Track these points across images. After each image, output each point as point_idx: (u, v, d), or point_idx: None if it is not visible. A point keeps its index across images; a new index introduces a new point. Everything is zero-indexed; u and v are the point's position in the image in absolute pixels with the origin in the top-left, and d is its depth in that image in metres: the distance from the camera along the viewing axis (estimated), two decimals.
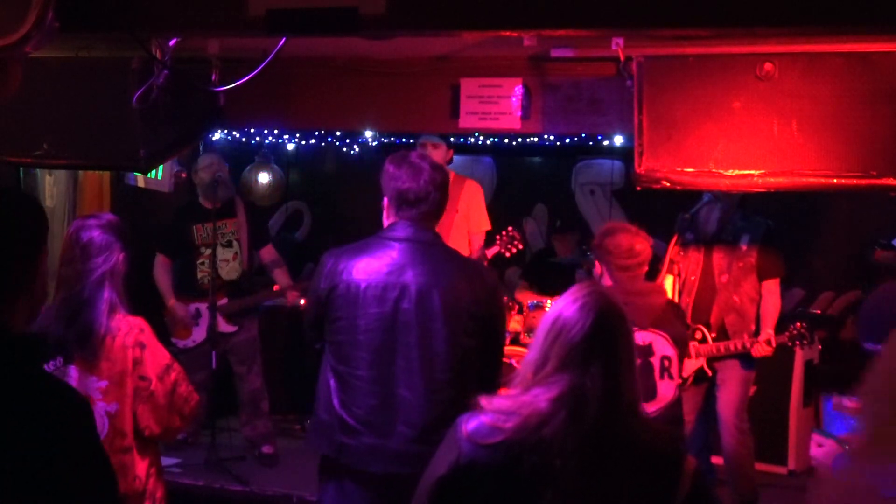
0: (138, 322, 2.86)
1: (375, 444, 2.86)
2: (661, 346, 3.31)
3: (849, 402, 4.37)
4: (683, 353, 3.42)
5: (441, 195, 2.96)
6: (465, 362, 2.89)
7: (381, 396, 2.86)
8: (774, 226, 4.59)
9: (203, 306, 5.26)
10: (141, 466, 2.83)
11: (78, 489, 1.51)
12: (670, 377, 3.32)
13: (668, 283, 4.69)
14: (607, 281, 3.43)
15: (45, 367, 2.75)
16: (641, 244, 3.42)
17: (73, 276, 2.79)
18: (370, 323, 2.86)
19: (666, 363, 3.31)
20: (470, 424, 1.95)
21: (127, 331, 2.81)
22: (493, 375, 2.96)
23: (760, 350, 4.40)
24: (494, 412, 1.93)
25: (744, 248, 4.52)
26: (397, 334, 2.85)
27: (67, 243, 2.83)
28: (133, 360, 2.79)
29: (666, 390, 3.32)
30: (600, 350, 1.90)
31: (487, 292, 2.93)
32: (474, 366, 2.91)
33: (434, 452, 2.80)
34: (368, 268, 2.89)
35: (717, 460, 4.76)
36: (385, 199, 2.99)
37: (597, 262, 3.50)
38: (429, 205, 2.92)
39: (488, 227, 5.28)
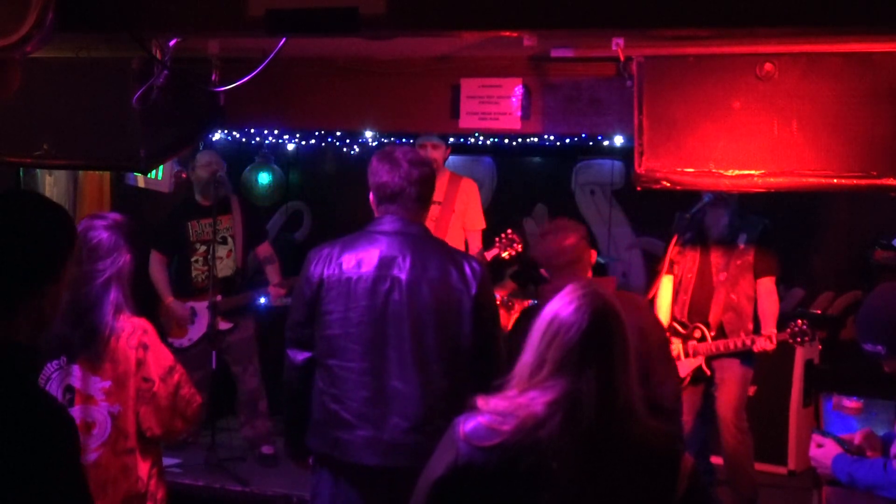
0: (142, 323, 2.85)
1: (369, 436, 2.89)
2: None
3: (849, 402, 4.37)
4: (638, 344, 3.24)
5: (420, 190, 3.00)
6: (458, 353, 2.93)
7: (374, 388, 2.90)
8: (771, 225, 4.59)
9: (198, 305, 5.26)
10: (143, 468, 2.83)
11: None
12: None
13: (668, 283, 4.69)
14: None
15: (49, 364, 2.76)
16: (571, 239, 3.30)
17: (80, 277, 2.77)
18: (362, 316, 2.91)
19: None
20: (467, 426, 1.95)
21: (131, 332, 2.80)
22: (488, 367, 2.93)
23: (762, 345, 4.39)
24: (491, 414, 1.93)
25: (741, 246, 4.52)
26: (388, 326, 2.90)
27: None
28: (136, 362, 2.79)
29: None
30: (597, 351, 1.90)
31: (477, 282, 2.96)
32: (467, 357, 2.94)
33: (427, 444, 2.84)
34: (358, 261, 2.94)
35: (716, 460, 4.76)
36: (371, 195, 3.06)
37: (542, 271, 3.45)
38: (407, 199, 2.98)
39: (483, 225, 5.31)
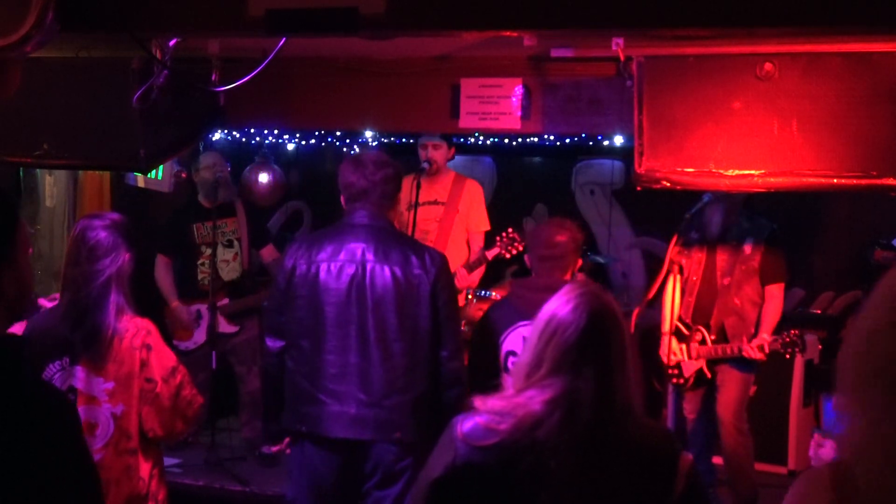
0: (145, 324, 2.86)
1: (336, 410, 3.17)
2: None
3: None
4: None
5: (384, 189, 3.29)
6: (417, 333, 3.19)
7: (340, 365, 3.18)
8: (779, 228, 4.55)
9: (204, 307, 5.25)
10: (145, 468, 2.83)
11: (59, 490, 1.48)
12: None
13: (670, 282, 4.68)
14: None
15: (51, 365, 2.76)
16: (563, 236, 3.38)
17: (79, 278, 2.78)
18: (329, 297, 3.19)
19: None
20: (465, 426, 1.95)
21: (134, 332, 2.81)
22: (448, 347, 3.24)
23: (751, 354, 4.36)
24: (489, 413, 1.93)
25: (748, 250, 4.45)
26: (352, 307, 3.18)
27: (73, 244, 2.82)
28: (140, 362, 2.79)
29: None
30: (594, 351, 1.90)
31: (436, 268, 3.22)
32: (426, 337, 3.21)
33: (387, 417, 3.16)
34: (326, 250, 3.24)
35: (717, 460, 4.76)
36: (342, 196, 3.37)
37: (525, 257, 3.51)
38: (371, 197, 3.27)
39: (488, 227, 5.27)
